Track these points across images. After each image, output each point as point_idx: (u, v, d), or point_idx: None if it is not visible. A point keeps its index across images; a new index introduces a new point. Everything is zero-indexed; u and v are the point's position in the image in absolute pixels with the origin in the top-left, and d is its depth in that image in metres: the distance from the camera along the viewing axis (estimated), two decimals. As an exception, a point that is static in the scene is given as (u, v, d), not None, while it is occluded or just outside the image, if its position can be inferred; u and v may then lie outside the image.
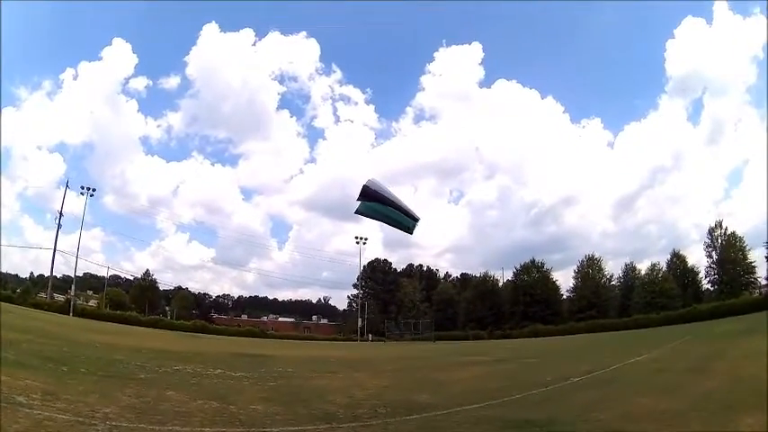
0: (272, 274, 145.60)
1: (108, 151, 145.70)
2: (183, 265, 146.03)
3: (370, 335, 76.69)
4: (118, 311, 67.46)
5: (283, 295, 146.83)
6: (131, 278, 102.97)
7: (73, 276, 68.09)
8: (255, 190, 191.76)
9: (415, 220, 9.89)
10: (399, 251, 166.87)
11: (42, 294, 67.81)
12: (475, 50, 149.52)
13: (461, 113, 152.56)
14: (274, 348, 36.55)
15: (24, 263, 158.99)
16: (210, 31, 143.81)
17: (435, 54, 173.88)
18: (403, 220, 9.79)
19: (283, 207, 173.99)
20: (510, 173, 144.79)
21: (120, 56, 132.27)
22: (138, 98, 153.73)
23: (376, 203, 9.59)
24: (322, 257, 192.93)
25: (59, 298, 67.93)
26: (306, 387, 15.02)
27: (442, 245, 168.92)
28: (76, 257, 67.23)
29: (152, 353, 22.14)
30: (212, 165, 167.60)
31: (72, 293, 64.96)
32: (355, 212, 10.00)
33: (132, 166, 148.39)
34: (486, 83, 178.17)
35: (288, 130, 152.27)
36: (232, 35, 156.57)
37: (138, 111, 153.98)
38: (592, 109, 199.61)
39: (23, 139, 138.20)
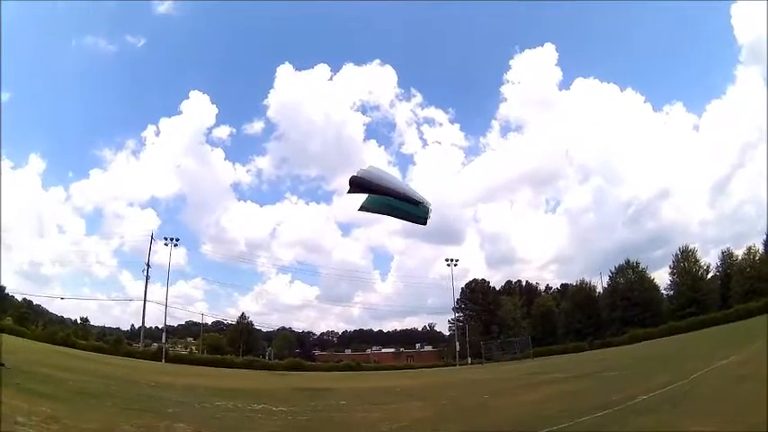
0: (377, 306, 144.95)
1: (200, 201, 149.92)
2: (287, 305, 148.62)
3: (469, 358, 73.72)
4: (214, 356, 68.77)
5: (390, 326, 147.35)
6: (233, 323, 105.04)
7: (163, 324, 70.47)
8: (353, 224, 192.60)
9: (419, 204, 8.24)
10: (503, 269, 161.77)
11: (136, 344, 70.41)
12: (549, 52, 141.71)
13: (546, 119, 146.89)
14: (346, 381, 35.86)
15: (125, 316, 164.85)
16: (285, 72, 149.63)
17: (511, 62, 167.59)
18: (411, 209, 8.30)
19: (383, 237, 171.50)
20: (602, 173, 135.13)
21: (199, 107, 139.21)
22: (224, 146, 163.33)
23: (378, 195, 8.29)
24: (425, 284, 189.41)
25: (155, 346, 70.26)
26: (337, 421, 14.17)
27: (545, 257, 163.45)
28: (165, 305, 69.55)
29: (207, 390, 22.00)
30: (307, 204, 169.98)
31: (163, 340, 67.19)
32: (359, 210, 8.85)
33: (227, 213, 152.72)
34: (565, 84, 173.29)
35: (377, 160, 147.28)
36: (307, 72, 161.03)
37: (226, 159, 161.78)
38: (672, 93, 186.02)
39: (113, 197, 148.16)
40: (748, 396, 11.67)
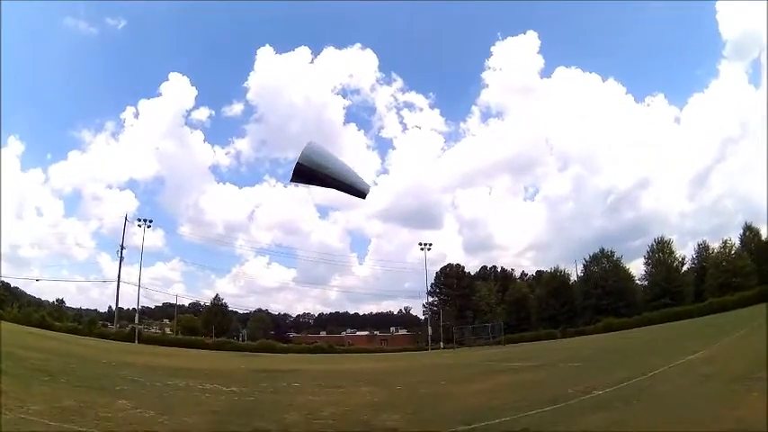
0: (353, 289, 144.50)
1: (179, 183, 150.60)
2: (264, 288, 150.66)
3: (441, 343, 73.10)
4: (186, 337, 68.37)
5: (366, 309, 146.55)
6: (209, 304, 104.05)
7: (137, 306, 70.15)
8: (331, 207, 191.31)
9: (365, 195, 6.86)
10: (480, 254, 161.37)
11: (113, 326, 69.84)
12: (531, 39, 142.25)
13: (527, 106, 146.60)
14: (312, 363, 34.98)
15: (103, 298, 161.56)
16: (266, 54, 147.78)
17: (492, 48, 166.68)
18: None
19: (361, 221, 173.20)
20: (582, 162, 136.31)
21: (178, 89, 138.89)
22: (203, 128, 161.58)
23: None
24: (402, 268, 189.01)
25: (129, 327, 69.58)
26: (283, 403, 13.32)
27: (522, 244, 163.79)
28: (138, 287, 69.06)
29: (165, 370, 21.66)
30: (285, 186, 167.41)
31: (136, 321, 67.09)
32: (291, 181, 7.34)
33: (206, 195, 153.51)
34: (547, 72, 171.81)
35: (357, 144, 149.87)
36: (288, 55, 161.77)
37: (205, 141, 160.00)
38: (654, 85, 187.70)
39: (92, 179, 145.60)
40: (708, 397, 10.64)
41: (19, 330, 39.50)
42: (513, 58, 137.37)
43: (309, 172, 6.45)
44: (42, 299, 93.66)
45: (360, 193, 6.99)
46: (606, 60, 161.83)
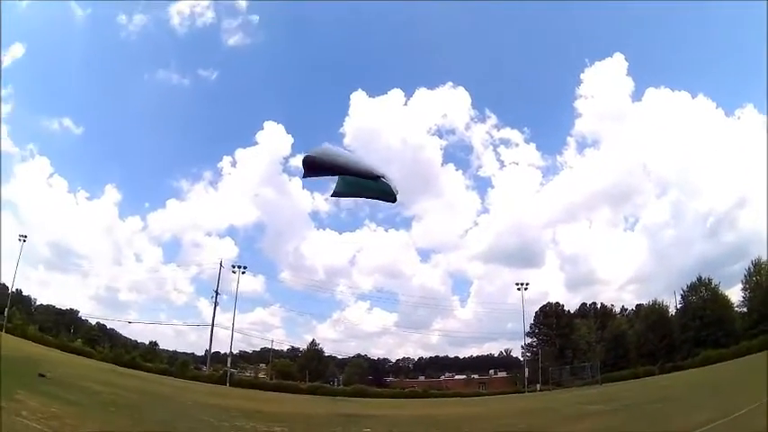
0: (455, 332, 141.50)
1: (279, 230, 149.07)
2: (365, 332, 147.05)
3: (538, 385, 70.43)
4: (279, 381, 69.54)
5: (468, 352, 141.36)
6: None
7: (229, 351, 72.37)
8: (432, 249, 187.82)
9: (379, 178, 7.31)
10: (582, 291, 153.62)
11: (204, 368, 71.94)
12: (618, 62, 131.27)
13: (621, 132, 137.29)
14: (396, 408, 35.13)
15: (200, 342, 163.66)
16: (359, 98, 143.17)
17: (582, 76, 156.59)
18: (376, 186, 7.42)
19: (462, 263, 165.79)
20: (679, 185, 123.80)
21: (274, 137, 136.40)
22: (300, 175, 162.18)
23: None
24: (504, 309, 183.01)
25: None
26: None
27: (623, 277, 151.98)
28: (232, 331, 71.45)
29: (240, 412, 22.14)
30: (386, 231, 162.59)
31: (228, 364, 68.64)
32: (332, 196, 7.97)
33: (306, 241, 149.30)
34: (637, 95, 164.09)
35: (456, 184, 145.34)
36: (381, 99, 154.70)
37: (303, 188, 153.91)
38: (742, 95, 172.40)
39: (191, 226, 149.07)
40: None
41: (105, 368, 41.56)
42: (604, 84, 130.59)
43: (320, 163, 7.09)
44: (138, 341, 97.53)
45: (384, 186, 7.52)
46: (693, 75, 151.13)
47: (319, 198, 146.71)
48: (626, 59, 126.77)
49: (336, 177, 7.70)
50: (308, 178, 7.04)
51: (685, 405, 21.05)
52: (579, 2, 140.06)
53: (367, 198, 8.25)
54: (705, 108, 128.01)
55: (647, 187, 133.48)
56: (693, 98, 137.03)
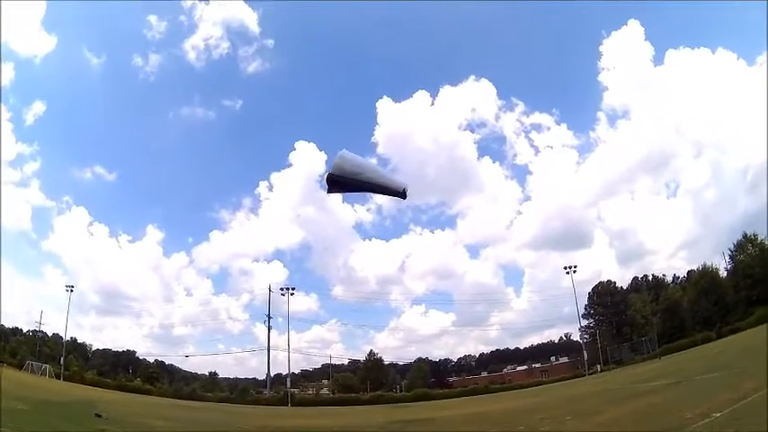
0: (513, 323, 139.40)
1: (326, 246, 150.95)
2: (424, 336, 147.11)
3: (598, 366, 68.94)
4: (340, 395, 70.06)
5: (528, 342, 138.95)
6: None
7: (287, 371, 73.23)
8: (480, 244, 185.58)
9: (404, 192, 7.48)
10: (634, 264, 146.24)
11: (271, 391, 72.66)
12: (635, 29, 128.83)
13: (649, 99, 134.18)
14: (455, 408, 34.75)
15: (262, 366, 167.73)
16: (386, 105, 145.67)
17: (601, 48, 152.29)
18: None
19: (511, 253, 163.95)
20: (714, 144, 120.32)
21: (308, 157, 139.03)
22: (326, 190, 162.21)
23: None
24: (559, 293, 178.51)
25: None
26: None
27: (672, 244, 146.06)
28: (288, 352, 72.31)
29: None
30: (432, 232, 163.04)
31: (288, 385, 69.53)
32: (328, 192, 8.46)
33: (354, 254, 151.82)
34: (658, 59, 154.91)
35: (495, 176, 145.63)
36: (408, 102, 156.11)
37: (344, 202, 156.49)
38: (761, 41, 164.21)
39: (237, 255, 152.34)
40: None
41: (163, 403, 42.46)
42: (624, 53, 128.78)
43: (343, 181, 7.18)
44: (198, 372, 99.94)
45: (397, 192, 7.53)
46: (710, 31, 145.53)
47: (361, 210, 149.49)
48: (641, 25, 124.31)
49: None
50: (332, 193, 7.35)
51: (737, 372, 20.31)
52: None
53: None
54: (727, 61, 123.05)
55: (683, 150, 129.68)
56: (713, 53, 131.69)
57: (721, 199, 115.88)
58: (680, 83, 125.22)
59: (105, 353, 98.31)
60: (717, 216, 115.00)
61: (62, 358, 69.87)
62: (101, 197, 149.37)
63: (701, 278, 71.18)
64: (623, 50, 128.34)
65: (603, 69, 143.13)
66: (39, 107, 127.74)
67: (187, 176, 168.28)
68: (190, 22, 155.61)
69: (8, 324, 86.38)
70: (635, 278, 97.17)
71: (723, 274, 69.65)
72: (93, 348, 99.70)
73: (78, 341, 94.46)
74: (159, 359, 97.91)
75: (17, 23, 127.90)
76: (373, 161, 7.60)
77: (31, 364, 63.83)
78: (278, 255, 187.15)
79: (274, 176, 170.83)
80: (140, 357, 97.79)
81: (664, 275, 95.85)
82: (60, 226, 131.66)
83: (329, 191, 6.81)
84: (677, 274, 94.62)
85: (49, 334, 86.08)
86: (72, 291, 79.13)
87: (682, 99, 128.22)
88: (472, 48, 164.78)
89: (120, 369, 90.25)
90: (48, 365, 65.16)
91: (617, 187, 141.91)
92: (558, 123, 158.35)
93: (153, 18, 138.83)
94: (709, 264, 73.04)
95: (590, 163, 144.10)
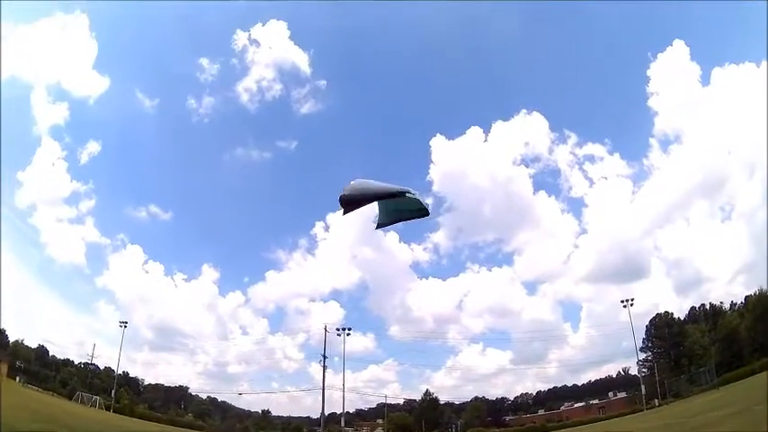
0: (571, 359, 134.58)
1: (383, 286, 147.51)
2: (481, 374, 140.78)
3: (656, 400, 66.72)
4: None
5: (586, 378, 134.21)
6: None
7: (342, 410, 72.63)
8: (538, 280, 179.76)
9: (405, 194, 7.79)
10: (692, 293, 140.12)
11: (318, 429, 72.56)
12: (680, 49, 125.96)
13: (700, 120, 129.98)
14: None
15: (316, 405, 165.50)
16: (439, 143, 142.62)
17: (648, 72, 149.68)
18: (407, 205, 7.94)
19: (569, 288, 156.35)
20: (765, 161, 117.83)
21: None
22: (396, 229, 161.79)
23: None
24: (616, 327, 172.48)
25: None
26: None
27: (730, 270, 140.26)
28: (343, 392, 71.69)
29: None
30: (489, 270, 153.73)
31: (342, 424, 70.30)
32: (377, 228, 8.90)
33: (411, 293, 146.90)
34: (705, 78, 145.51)
35: (550, 210, 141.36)
36: (461, 139, 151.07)
37: (400, 241, 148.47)
38: None
39: (293, 295, 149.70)
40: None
41: None
42: (672, 75, 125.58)
43: (351, 198, 7.94)
44: (252, 410, 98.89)
45: (414, 203, 8.04)
46: (752, 44, 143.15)
47: (418, 249, 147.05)
48: (686, 45, 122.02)
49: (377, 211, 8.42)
50: (348, 214, 7.94)
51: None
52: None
53: (406, 220, 8.96)
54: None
55: (736, 171, 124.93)
56: (758, 66, 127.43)
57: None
58: (728, 101, 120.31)
59: (157, 387, 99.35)
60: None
61: (113, 390, 72.06)
62: (156, 236, 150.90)
63: (758, 303, 68.57)
64: (671, 73, 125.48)
65: (652, 94, 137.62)
66: (93, 146, 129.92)
67: (243, 217, 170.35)
68: (242, 64, 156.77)
69: (60, 355, 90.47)
70: (692, 308, 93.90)
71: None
72: (146, 383, 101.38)
73: (130, 375, 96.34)
74: (212, 395, 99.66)
75: (69, 64, 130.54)
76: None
77: (82, 395, 66.29)
78: (335, 294, 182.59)
79: (330, 216, 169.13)
80: (192, 393, 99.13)
81: (721, 303, 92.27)
82: (115, 263, 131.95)
83: (344, 212, 7.59)
84: (734, 301, 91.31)
85: (101, 367, 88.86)
86: (126, 326, 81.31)
87: (731, 118, 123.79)
88: (523, 81, 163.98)
89: (172, 404, 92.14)
90: (98, 397, 67.70)
91: (672, 214, 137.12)
92: (610, 153, 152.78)
93: (204, 61, 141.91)
94: (765, 288, 70.25)
95: (644, 191, 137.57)
